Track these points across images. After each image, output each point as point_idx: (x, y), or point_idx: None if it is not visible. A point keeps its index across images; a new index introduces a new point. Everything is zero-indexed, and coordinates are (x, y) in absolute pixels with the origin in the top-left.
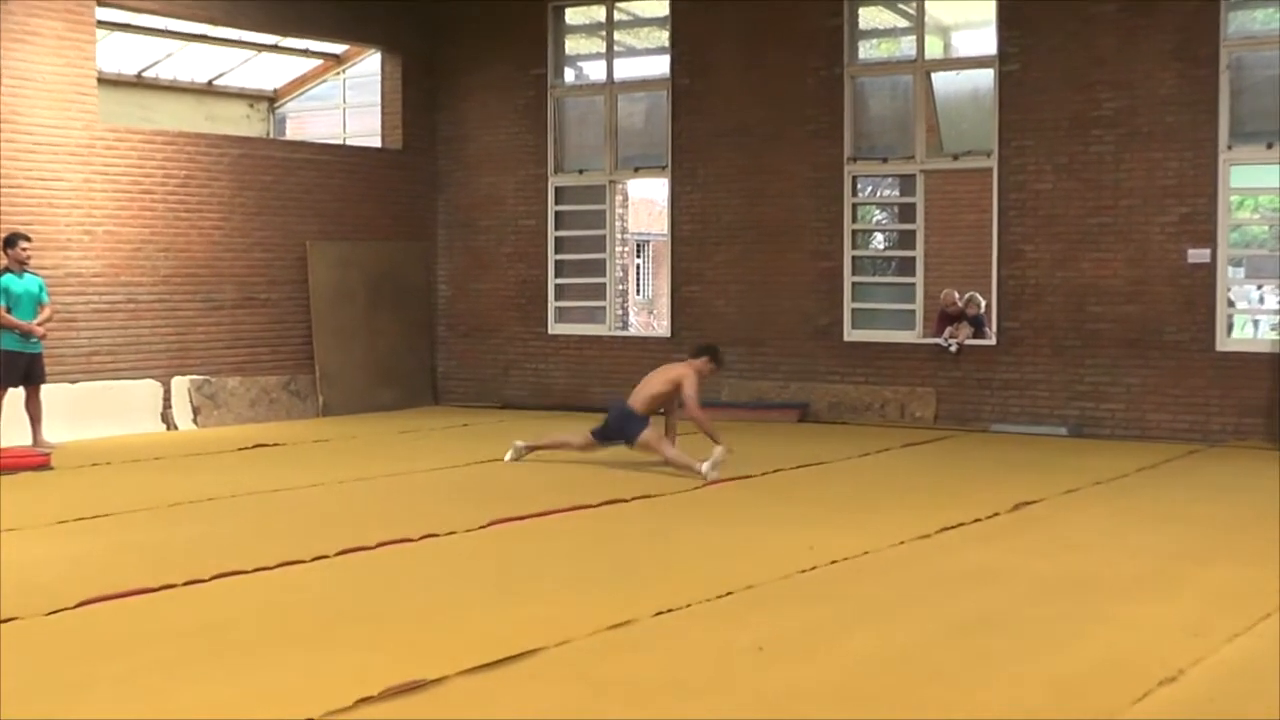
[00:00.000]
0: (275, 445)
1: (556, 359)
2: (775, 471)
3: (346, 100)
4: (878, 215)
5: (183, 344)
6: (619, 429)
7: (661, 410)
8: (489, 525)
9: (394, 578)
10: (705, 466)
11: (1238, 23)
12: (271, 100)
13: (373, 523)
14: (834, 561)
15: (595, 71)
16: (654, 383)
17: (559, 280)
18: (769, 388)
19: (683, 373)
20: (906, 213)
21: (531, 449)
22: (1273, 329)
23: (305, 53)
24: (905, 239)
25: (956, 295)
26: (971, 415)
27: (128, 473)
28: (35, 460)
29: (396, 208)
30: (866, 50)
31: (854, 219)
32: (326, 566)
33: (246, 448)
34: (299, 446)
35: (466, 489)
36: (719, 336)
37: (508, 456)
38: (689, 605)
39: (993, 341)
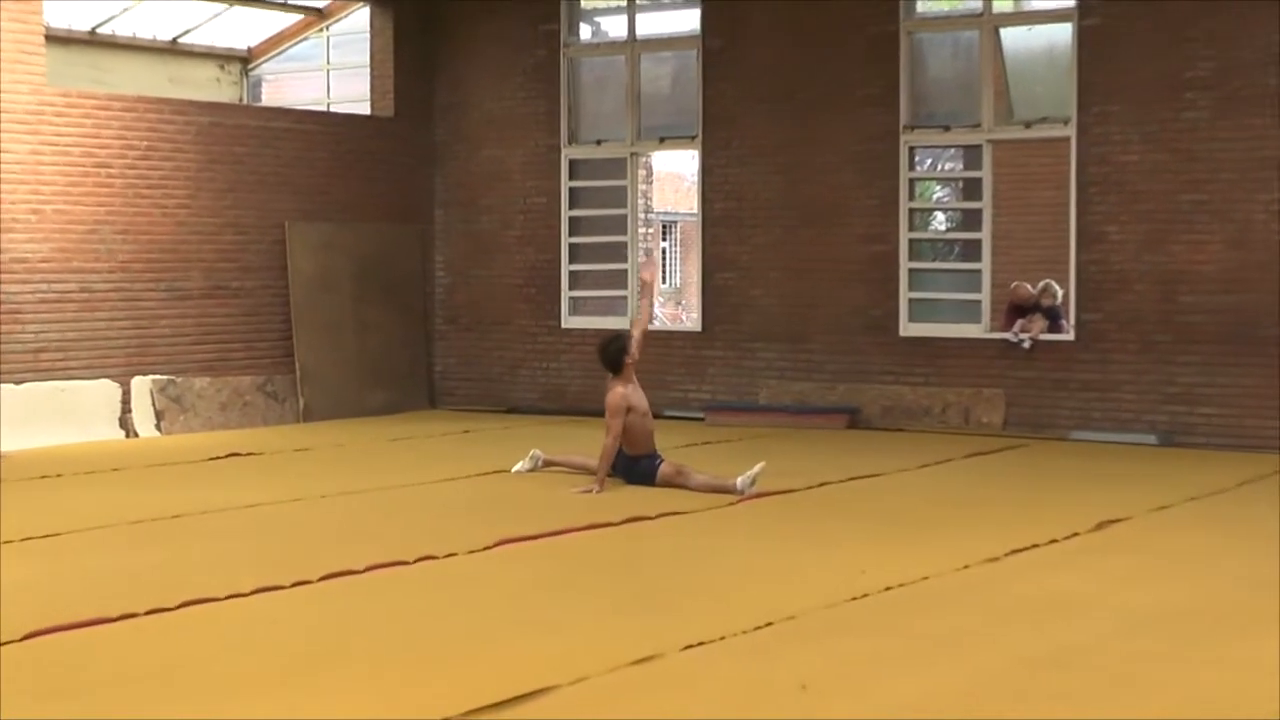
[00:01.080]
0: (250, 455)
1: (570, 357)
2: (821, 485)
3: (330, 61)
4: (938, 192)
5: (144, 339)
6: (633, 478)
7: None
8: (495, 546)
9: (386, 607)
10: (741, 481)
11: None
12: (245, 61)
13: (362, 544)
14: (888, 588)
15: (615, 28)
16: (608, 416)
17: (574, 267)
18: (813, 390)
19: (607, 403)
20: (971, 189)
21: (550, 464)
22: None
23: (283, 6)
24: (970, 219)
25: (1029, 288)
26: (1046, 421)
27: (82, 486)
28: None
29: (388, 184)
30: (925, 3)
31: (911, 196)
32: (309, 594)
33: (217, 457)
34: (277, 456)
35: (469, 505)
36: (756, 330)
37: (519, 467)
38: (722, 638)
39: (1070, 336)
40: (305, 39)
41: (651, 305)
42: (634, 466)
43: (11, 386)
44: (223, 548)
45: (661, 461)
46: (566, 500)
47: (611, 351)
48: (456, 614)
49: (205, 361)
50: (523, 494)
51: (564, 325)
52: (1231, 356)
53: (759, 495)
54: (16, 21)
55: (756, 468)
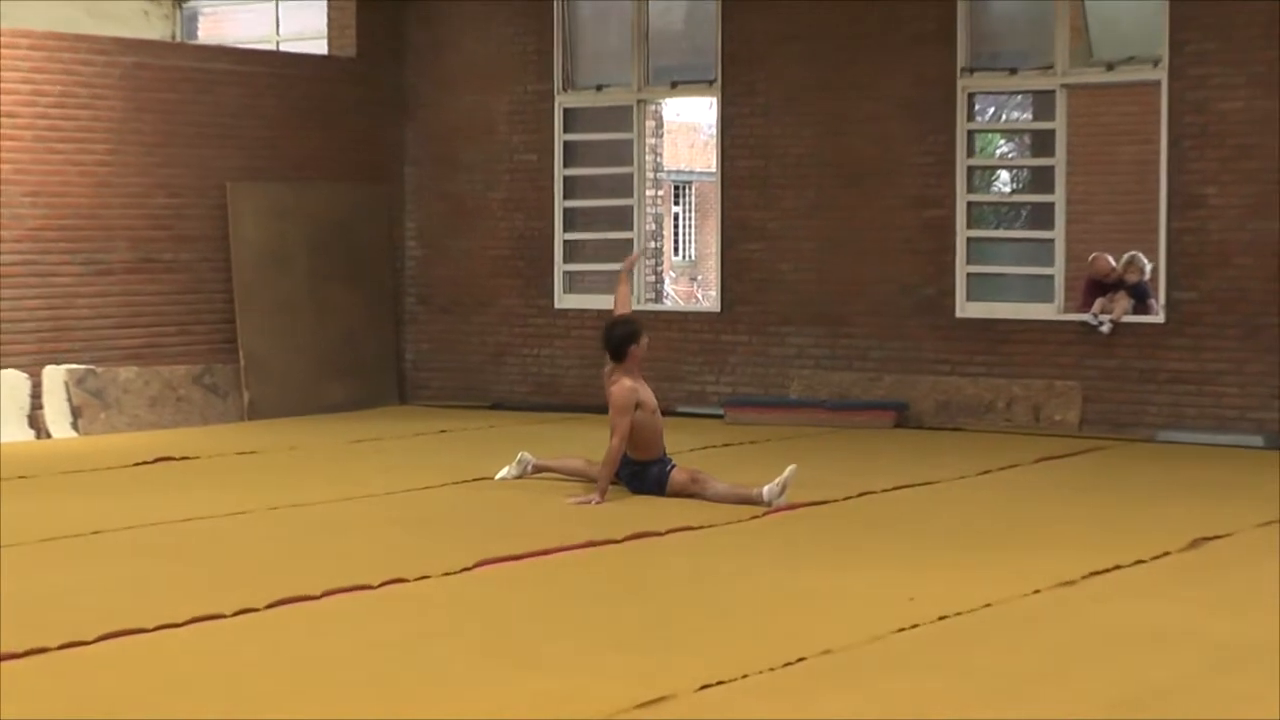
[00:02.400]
0: (185, 459)
1: (566, 342)
2: (862, 495)
3: None
4: (1003, 147)
5: (58, 322)
6: (639, 487)
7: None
8: (475, 567)
9: (347, 639)
10: (768, 491)
11: None
12: None
13: (318, 565)
14: (943, 618)
15: None
16: (614, 414)
17: (569, 236)
18: (855, 382)
19: (610, 395)
20: (1043, 143)
21: (541, 469)
22: None
23: None
24: (1041, 179)
25: (1111, 260)
26: (1130, 419)
27: None
28: None
29: (349, 137)
30: None
31: (970, 152)
32: (255, 624)
33: (146, 462)
34: (217, 461)
35: (445, 519)
36: (786, 311)
37: (505, 473)
38: (744, 676)
39: (1160, 319)
40: None
41: (629, 294)
42: (641, 473)
43: None
44: (152, 570)
45: (673, 467)
46: (561, 513)
47: (620, 335)
48: (429, 648)
49: (131, 348)
50: (509, 505)
51: (558, 305)
52: None
53: (789, 507)
54: None
55: (786, 473)
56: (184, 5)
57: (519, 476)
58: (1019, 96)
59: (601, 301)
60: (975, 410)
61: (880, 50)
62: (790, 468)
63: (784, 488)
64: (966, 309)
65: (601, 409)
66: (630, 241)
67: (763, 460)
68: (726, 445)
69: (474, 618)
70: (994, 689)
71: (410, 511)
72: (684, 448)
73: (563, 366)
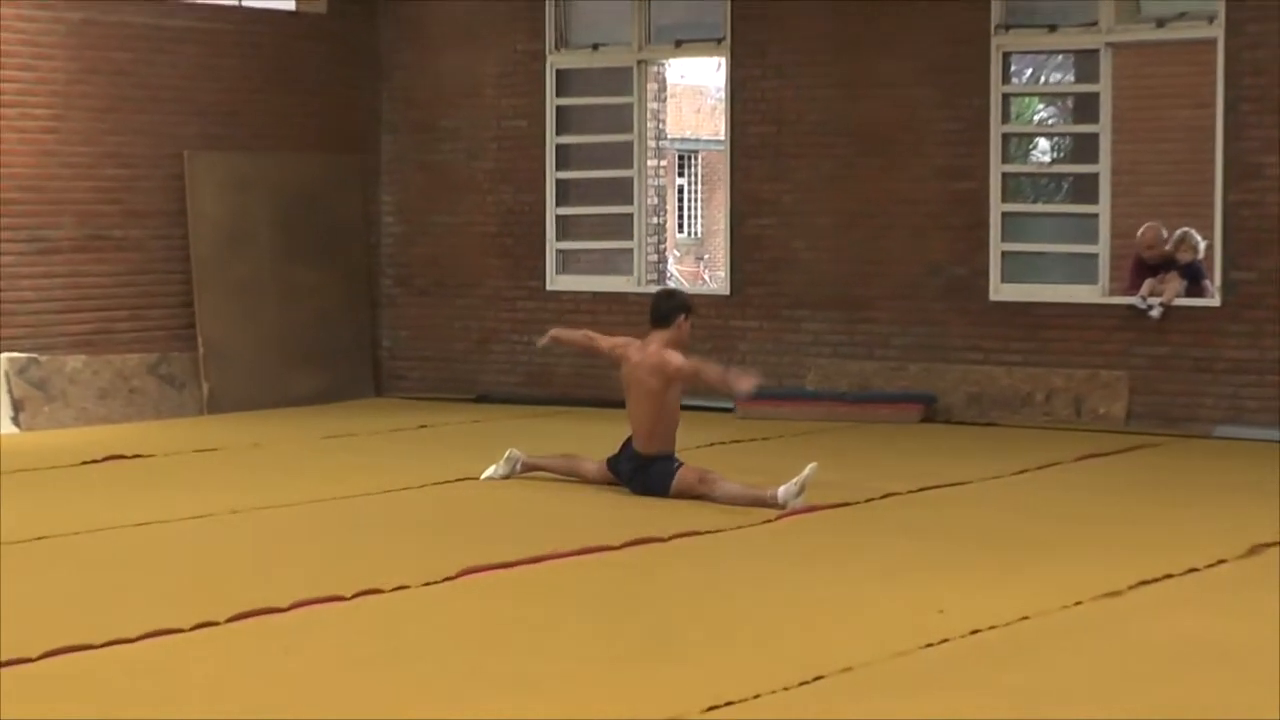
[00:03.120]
0: (138, 458)
1: (559, 328)
2: (886, 497)
3: None
4: (1041, 112)
5: None
6: (640, 484)
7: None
8: (459, 576)
9: (317, 656)
10: (783, 492)
11: None
12: None
13: (285, 574)
14: (974, 632)
15: None
16: (639, 400)
17: (563, 210)
18: (877, 371)
19: (661, 364)
20: (1085, 108)
21: (532, 468)
22: None
23: None
24: (1083, 148)
25: (1163, 232)
26: (1183, 413)
27: None
28: None
29: (319, 102)
30: None
31: (1006, 118)
32: (214, 640)
33: (94, 461)
34: (174, 459)
35: (426, 523)
36: (801, 294)
37: (492, 472)
38: (757, 696)
39: (1216, 301)
40: None
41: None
42: (645, 469)
43: None
44: (102, 580)
45: (680, 465)
46: (553, 516)
47: (674, 302)
48: (407, 667)
49: (79, 335)
50: (496, 508)
51: (550, 287)
52: None
53: (806, 510)
54: None
55: (805, 472)
56: None
57: (507, 476)
58: (1059, 56)
59: (598, 283)
60: (1011, 403)
61: (906, 5)
62: (809, 466)
63: (802, 488)
64: (1001, 291)
65: (597, 404)
66: (630, 216)
67: (776, 458)
68: (736, 441)
69: (457, 633)
70: (1030, 712)
71: (387, 515)
72: (690, 444)
73: (556, 355)
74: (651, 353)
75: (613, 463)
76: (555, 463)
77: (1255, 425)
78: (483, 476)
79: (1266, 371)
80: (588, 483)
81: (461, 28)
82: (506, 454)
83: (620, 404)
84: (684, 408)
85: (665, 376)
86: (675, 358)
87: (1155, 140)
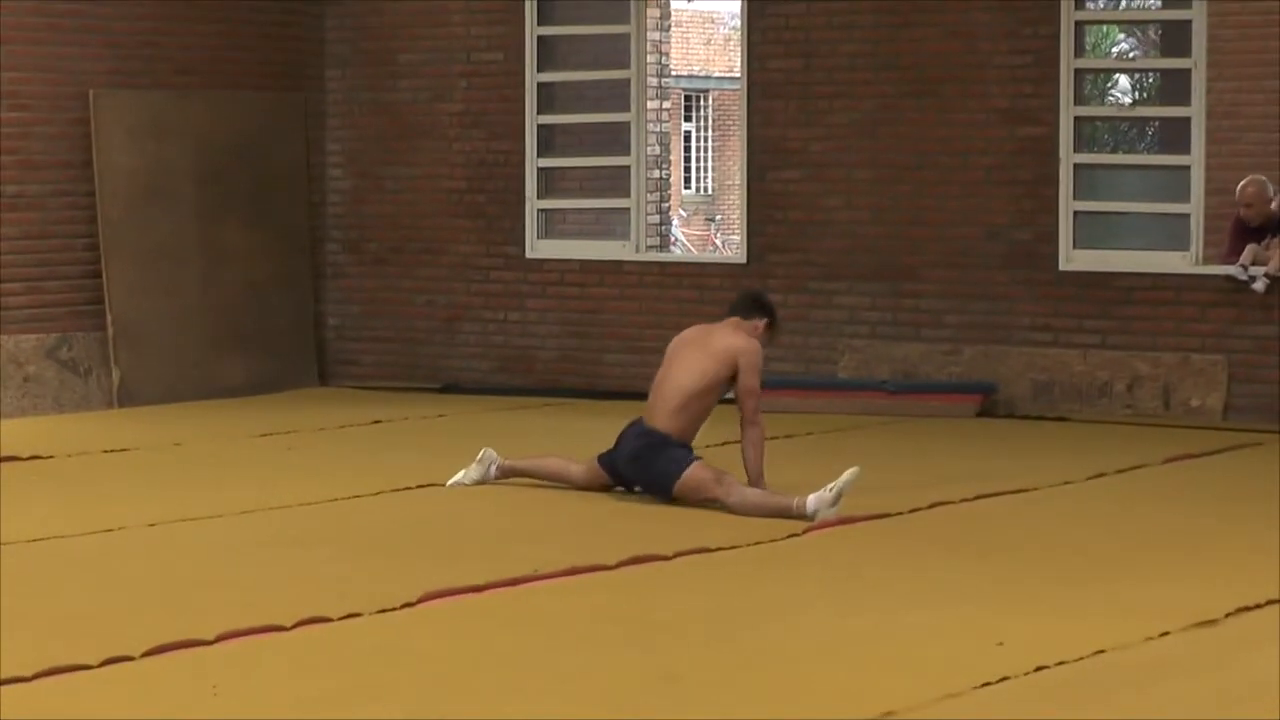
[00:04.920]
0: (34, 459)
1: (542, 303)
2: (935, 506)
3: None
4: (1122, 44)
5: None
6: (642, 469)
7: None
8: (421, 602)
9: (252, 697)
10: (814, 501)
11: None
12: None
13: (211, 599)
14: (1040, 669)
15: None
16: (688, 366)
17: (546, 162)
18: (925, 356)
19: (736, 344)
20: (1174, 39)
21: (510, 473)
22: None
23: None
24: (1172, 86)
25: (1269, 188)
26: None
27: None
28: None
29: (252, 31)
30: None
31: (1079, 51)
32: (129, 677)
33: None
34: (78, 461)
35: (382, 538)
36: (833, 262)
37: (461, 477)
38: None
39: None
40: None
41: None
42: (654, 450)
43: None
44: None
45: (696, 460)
46: (533, 528)
47: (767, 304)
48: (360, 707)
49: None
50: (466, 521)
51: (531, 254)
52: None
53: (838, 522)
54: None
55: (844, 478)
56: None
57: (480, 481)
58: None
59: (589, 249)
60: (1085, 394)
61: None
62: (850, 471)
63: (838, 497)
64: (1073, 259)
65: (588, 395)
66: (626, 169)
67: (802, 459)
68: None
69: (417, 669)
70: None
71: (334, 529)
72: (700, 443)
73: (538, 336)
74: (728, 333)
75: (606, 459)
76: (538, 465)
77: None
78: (450, 483)
79: None
80: (576, 488)
81: None
82: (480, 455)
83: (616, 394)
84: None
85: (730, 363)
86: (755, 355)
87: (1259, 77)
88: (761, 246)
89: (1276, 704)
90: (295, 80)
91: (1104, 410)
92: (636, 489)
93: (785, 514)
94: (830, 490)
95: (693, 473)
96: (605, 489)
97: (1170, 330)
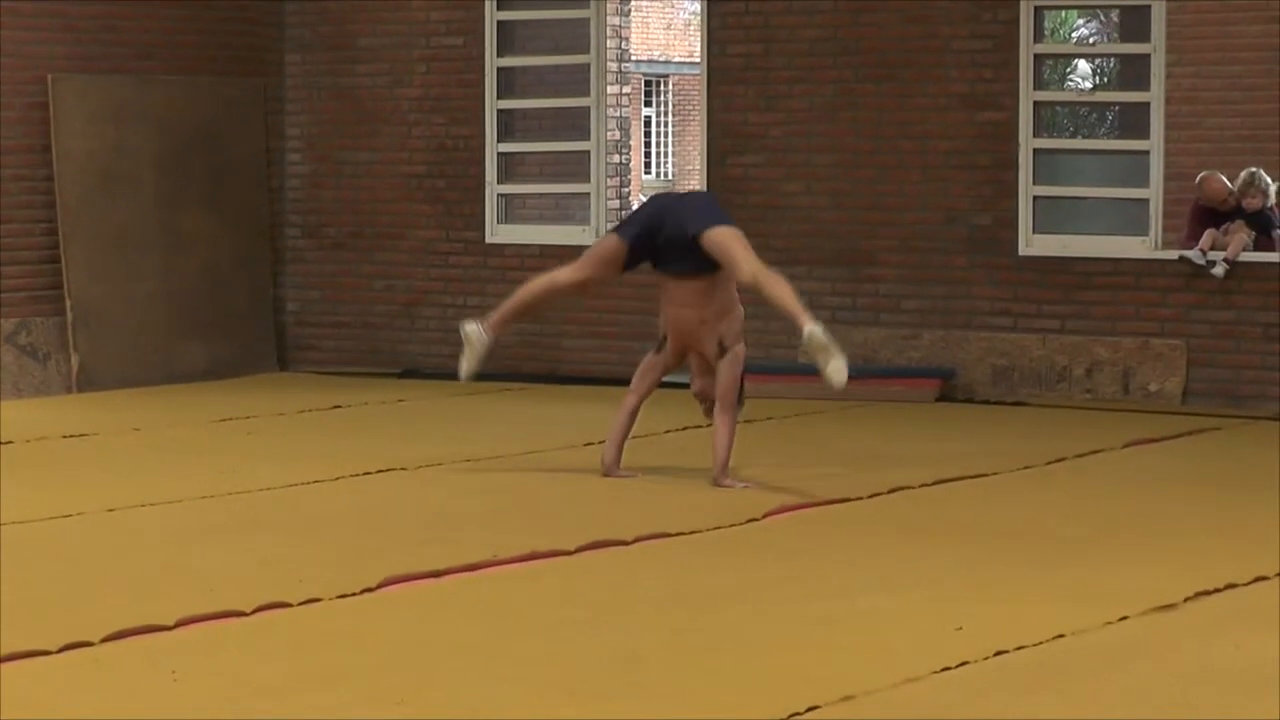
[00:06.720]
0: None
1: (502, 288)
2: (895, 491)
3: None
4: (1082, 28)
5: None
6: (688, 203)
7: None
8: (381, 588)
9: (211, 683)
10: (814, 327)
11: None
12: None
13: (170, 584)
14: (999, 653)
15: None
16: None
17: (506, 147)
18: (885, 340)
19: (723, 236)
20: (1136, 24)
21: (501, 325)
22: None
23: None
24: (1131, 71)
25: (1228, 183)
26: (1251, 390)
27: None
28: None
29: (212, 16)
30: None
31: (1039, 35)
32: (88, 662)
33: None
34: (36, 447)
35: (341, 523)
36: (794, 247)
37: (468, 367)
38: None
39: None
40: None
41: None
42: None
43: None
44: None
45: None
46: (493, 511)
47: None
48: (319, 692)
49: None
50: (424, 504)
51: (491, 239)
52: None
53: (798, 507)
54: None
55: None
56: None
57: (486, 354)
58: None
59: (549, 234)
60: (1045, 379)
61: None
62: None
63: (832, 346)
64: (1033, 244)
65: (550, 380)
66: (586, 154)
67: (764, 445)
68: (711, 425)
69: (377, 655)
70: None
71: (294, 514)
72: (658, 428)
73: None
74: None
75: (624, 228)
76: (521, 300)
77: None
78: (463, 377)
79: None
80: (572, 295)
81: None
82: (464, 337)
83: (575, 379)
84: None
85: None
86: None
87: (1220, 63)
88: None
89: (1234, 688)
90: (255, 65)
91: (1063, 395)
92: (646, 262)
93: (795, 313)
94: (831, 342)
95: (733, 231)
96: (596, 283)
97: (1130, 315)
